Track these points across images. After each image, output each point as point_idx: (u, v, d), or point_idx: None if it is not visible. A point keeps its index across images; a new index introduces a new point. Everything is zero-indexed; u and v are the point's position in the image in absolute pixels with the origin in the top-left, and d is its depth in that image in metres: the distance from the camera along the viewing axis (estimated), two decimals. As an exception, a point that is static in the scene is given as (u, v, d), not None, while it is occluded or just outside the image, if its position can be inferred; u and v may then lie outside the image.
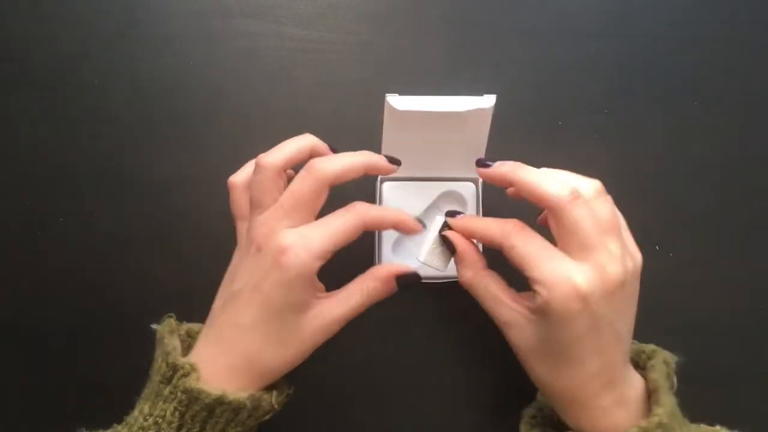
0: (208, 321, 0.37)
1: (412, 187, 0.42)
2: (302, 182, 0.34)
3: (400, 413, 0.44)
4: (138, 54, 0.47)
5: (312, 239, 0.33)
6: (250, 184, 0.36)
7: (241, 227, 0.38)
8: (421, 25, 0.47)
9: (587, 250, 0.31)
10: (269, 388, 0.36)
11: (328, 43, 0.47)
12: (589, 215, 0.32)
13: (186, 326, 0.38)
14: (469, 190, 0.43)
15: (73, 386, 0.44)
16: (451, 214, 0.37)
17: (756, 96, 0.47)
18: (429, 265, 0.37)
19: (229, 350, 0.34)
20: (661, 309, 0.44)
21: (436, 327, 0.45)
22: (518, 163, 0.35)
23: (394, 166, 0.37)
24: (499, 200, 0.44)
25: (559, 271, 0.31)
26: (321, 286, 0.36)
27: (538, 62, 0.47)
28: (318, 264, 0.33)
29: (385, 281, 0.36)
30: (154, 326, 0.37)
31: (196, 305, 0.41)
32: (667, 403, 0.32)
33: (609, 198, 0.34)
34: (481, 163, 0.36)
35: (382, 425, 0.44)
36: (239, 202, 0.38)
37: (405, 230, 0.37)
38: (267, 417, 0.35)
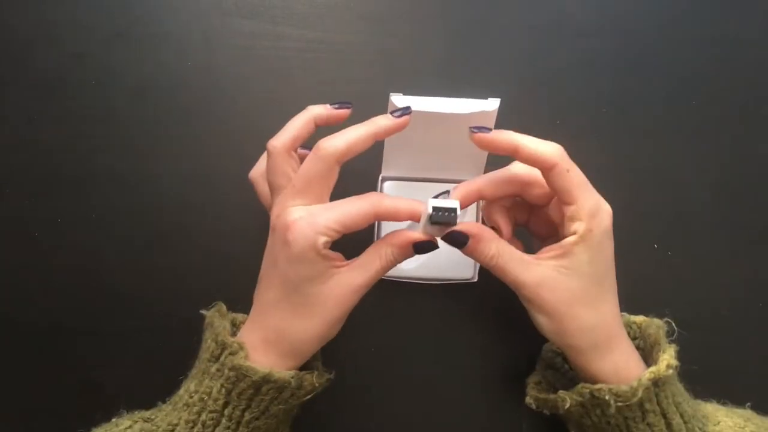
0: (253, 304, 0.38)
1: (413, 188, 0.42)
2: (310, 162, 0.34)
3: (402, 411, 0.45)
4: (136, 54, 0.47)
5: (317, 215, 0.33)
6: (266, 171, 0.37)
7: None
8: (419, 25, 0.47)
9: (590, 190, 0.35)
10: (308, 368, 0.37)
11: (326, 44, 0.47)
12: (577, 168, 0.35)
13: (231, 315, 0.39)
14: None
15: (74, 386, 0.44)
16: (475, 130, 0.35)
17: (755, 95, 0.47)
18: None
19: (264, 324, 0.35)
20: (659, 307, 0.44)
21: (431, 327, 0.45)
22: (510, 132, 0.36)
23: (403, 120, 0.35)
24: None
25: (600, 200, 0.35)
26: (337, 255, 0.36)
27: (536, 61, 0.47)
28: (321, 239, 0.33)
29: (402, 246, 0.35)
30: (203, 311, 0.38)
31: (195, 302, 0.41)
32: (670, 349, 0.35)
33: None
34: (479, 129, 0.35)
35: (382, 427, 0.44)
36: (264, 193, 0.39)
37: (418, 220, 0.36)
38: (308, 397, 0.36)
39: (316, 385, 0.36)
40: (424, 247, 0.35)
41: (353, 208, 0.34)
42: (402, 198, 0.35)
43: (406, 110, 0.35)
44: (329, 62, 0.47)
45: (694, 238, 0.46)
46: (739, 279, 0.46)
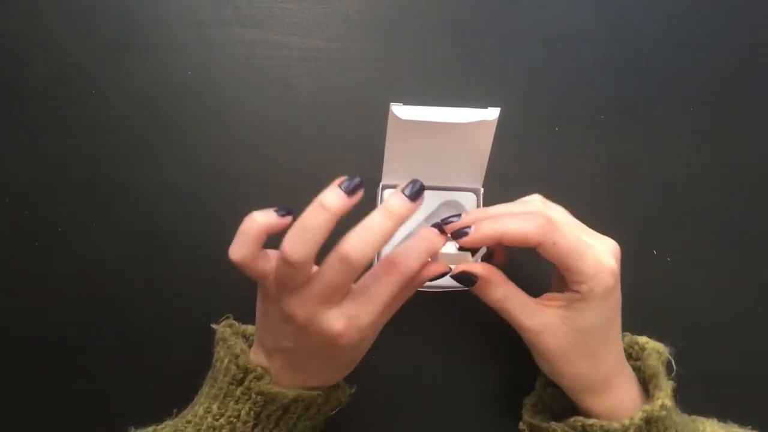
0: (260, 342, 0.37)
1: None
2: (338, 273, 0.32)
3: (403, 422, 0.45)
4: (136, 63, 0.47)
5: (360, 318, 0.33)
6: (276, 273, 0.34)
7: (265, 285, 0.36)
8: (419, 34, 0.48)
9: (583, 255, 0.34)
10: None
11: (326, 52, 0.47)
12: (565, 229, 0.34)
13: (242, 328, 0.40)
14: (469, 200, 0.43)
15: (74, 395, 0.44)
16: (445, 222, 0.35)
17: (754, 100, 0.48)
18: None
19: (296, 379, 0.36)
20: (659, 313, 0.44)
21: (431, 336, 0.45)
22: (483, 217, 0.35)
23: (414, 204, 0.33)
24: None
25: (594, 262, 0.34)
26: None
27: (535, 69, 0.48)
28: (367, 332, 0.34)
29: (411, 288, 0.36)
30: (214, 326, 0.38)
31: (195, 312, 0.41)
32: (667, 387, 0.35)
33: (551, 202, 0.37)
34: (457, 234, 0.35)
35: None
36: (261, 270, 0.35)
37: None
38: (333, 412, 0.38)
39: (342, 400, 0.38)
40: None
41: (386, 291, 0.33)
42: (428, 266, 0.35)
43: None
44: (330, 70, 0.47)
45: (694, 244, 0.46)
46: (739, 284, 0.46)
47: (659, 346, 0.38)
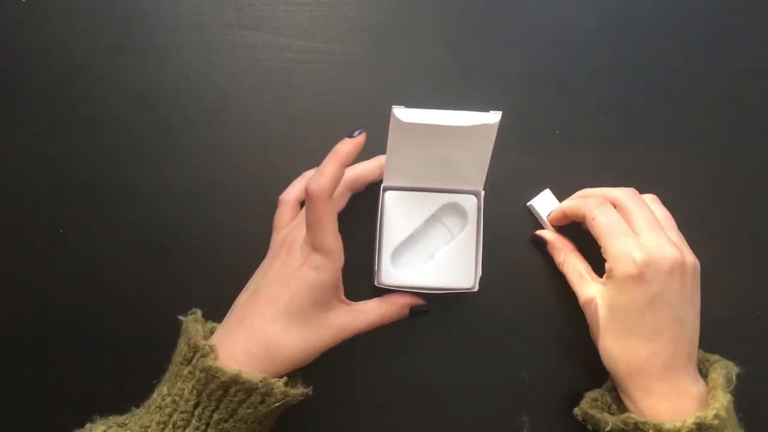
0: (230, 312, 0.40)
1: (414, 198, 0.42)
2: (308, 209, 0.37)
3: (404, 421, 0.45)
4: (137, 65, 0.47)
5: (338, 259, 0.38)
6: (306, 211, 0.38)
7: (277, 237, 0.42)
8: (420, 36, 0.48)
9: (651, 231, 0.38)
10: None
11: (327, 54, 0.47)
12: (642, 204, 0.40)
13: (211, 324, 0.41)
14: (470, 203, 0.43)
15: (74, 396, 0.44)
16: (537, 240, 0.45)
17: (755, 101, 0.48)
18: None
19: (249, 336, 0.37)
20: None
21: (434, 335, 0.45)
22: (581, 199, 0.43)
23: (360, 138, 0.38)
24: (501, 215, 0.45)
25: (622, 247, 0.38)
26: (341, 288, 0.40)
27: (535, 71, 0.48)
28: (338, 265, 0.38)
29: (400, 307, 0.42)
30: (180, 317, 0.40)
31: (203, 314, 0.41)
32: (723, 399, 0.36)
33: (643, 199, 0.41)
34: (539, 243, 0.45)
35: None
36: (284, 217, 0.43)
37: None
38: (278, 405, 0.36)
39: (288, 394, 0.36)
40: (419, 310, 0.42)
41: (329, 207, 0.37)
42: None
43: (362, 129, 0.38)
44: (331, 73, 0.47)
45: (694, 245, 0.46)
46: (740, 285, 0.46)
47: (729, 363, 0.40)
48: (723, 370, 0.38)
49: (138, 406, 0.38)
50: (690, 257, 0.39)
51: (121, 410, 0.38)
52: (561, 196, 0.46)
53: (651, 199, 0.42)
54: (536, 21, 0.48)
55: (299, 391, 0.38)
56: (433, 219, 0.43)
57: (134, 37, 0.47)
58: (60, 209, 0.46)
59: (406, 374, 0.45)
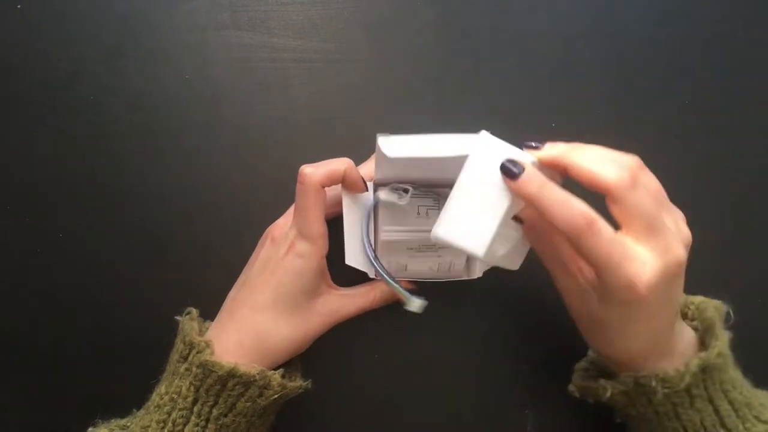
0: (222, 307, 0.40)
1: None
2: (297, 193, 0.37)
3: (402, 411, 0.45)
4: (133, 69, 0.47)
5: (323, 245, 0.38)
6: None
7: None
8: (414, 33, 0.48)
9: (652, 232, 0.31)
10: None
11: (321, 53, 0.47)
12: (646, 195, 0.31)
13: (208, 323, 0.41)
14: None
15: (73, 401, 0.44)
16: (528, 146, 0.35)
17: (748, 94, 0.48)
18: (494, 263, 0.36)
19: (240, 327, 0.37)
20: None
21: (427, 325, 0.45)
22: (571, 145, 0.34)
23: (362, 187, 0.39)
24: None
25: (627, 279, 0.30)
26: (327, 274, 0.40)
27: (530, 65, 0.48)
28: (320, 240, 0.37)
29: (391, 293, 0.40)
30: (177, 317, 0.40)
31: (200, 314, 0.41)
32: (723, 336, 0.34)
33: (648, 170, 0.33)
34: (528, 145, 0.35)
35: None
36: (276, 229, 0.42)
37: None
38: (276, 397, 0.36)
39: (286, 386, 0.37)
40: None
41: (312, 197, 0.37)
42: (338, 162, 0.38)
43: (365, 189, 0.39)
44: (326, 72, 0.47)
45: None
46: (737, 278, 0.46)
47: (716, 302, 0.37)
48: (713, 309, 0.36)
49: (139, 408, 0.38)
50: (684, 250, 0.33)
51: (123, 411, 0.38)
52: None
53: (638, 167, 0.33)
54: (532, 15, 0.48)
55: (297, 384, 0.38)
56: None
57: (129, 41, 0.47)
58: (60, 213, 0.46)
59: (407, 369, 0.45)
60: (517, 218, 0.35)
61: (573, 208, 0.30)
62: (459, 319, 0.45)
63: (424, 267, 0.42)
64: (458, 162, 0.36)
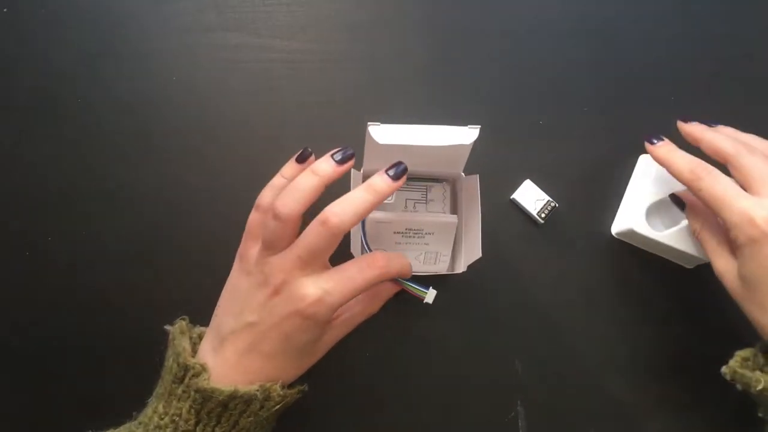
0: (215, 332, 0.38)
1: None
2: (318, 237, 0.35)
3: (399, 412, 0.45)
4: (120, 71, 0.47)
5: (333, 294, 0.35)
6: (263, 227, 0.37)
7: (250, 247, 0.39)
8: (401, 33, 0.48)
9: (763, 185, 0.36)
10: None
11: (308, 54, 0.47)
12: (758, 159, 0.37)
13: (198, 330, 0.40)
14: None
15: (68, 404, 0.44)
16: (649, 141, 0.41)
17: (736, 93, 0.48)
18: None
19: (248, 370, 0.36)
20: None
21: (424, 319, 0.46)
22: (701, 128, 0.41)
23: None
24: (485, 207, 0.45)
25: (741, 211, 0.35)
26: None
27: (518, 63, 0.48)
28: (334, 313, 0.36)
29: (384, 297, 0.41)
30: (167, 327, 0.39)
31: (189, 318, 0.41)
32: None
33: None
34: (650, 140, 0.42)
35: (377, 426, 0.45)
36: (257, 222, 0.39)
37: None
38: (278, 407, 0.36)
39: (286, 395, 0.37)
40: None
41: (361, 281, 0.36)
42: (404, 257, 0.38)
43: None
44: (313, 72, 0.47)
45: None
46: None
47: None
48: None
49: (130, 417, 0.38)
50: None
51: (111, 416, 0.38)
52: (544, 187, 0.46)
53: (752, 139, 0.40)
54: (518, 13, 0.49)
55: (296, 390, 0.38)
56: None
57: (116, 43, 0.47)
58: (48, 217, 0.45)
59: (399, 367, 0.45)
60: (678, 200, 0.43)
61: (694, 160, 0.38)
62: (451, 317, 0.45)
63: (411, 257, 0.42)
64: (446, 153, 0.36)
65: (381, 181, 0.36)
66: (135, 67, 0.47)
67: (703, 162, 0.38)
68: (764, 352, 0.38)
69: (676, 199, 0.43)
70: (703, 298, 0.46)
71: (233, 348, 0.37)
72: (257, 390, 0.35)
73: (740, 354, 0.39)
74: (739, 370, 0.38)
